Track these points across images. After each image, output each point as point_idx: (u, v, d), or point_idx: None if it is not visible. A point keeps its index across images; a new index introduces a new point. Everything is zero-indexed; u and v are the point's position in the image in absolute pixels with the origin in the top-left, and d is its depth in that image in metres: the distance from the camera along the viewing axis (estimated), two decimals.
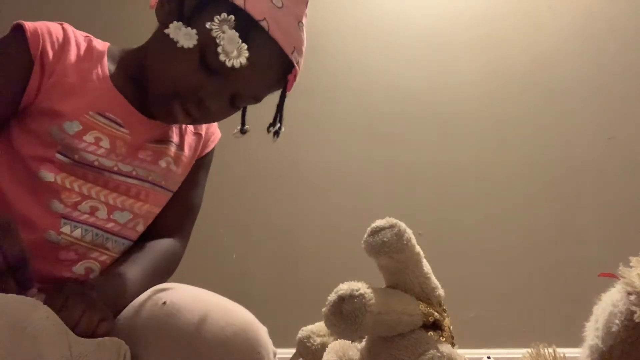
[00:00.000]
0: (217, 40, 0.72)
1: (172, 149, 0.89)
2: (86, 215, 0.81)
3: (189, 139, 0.93)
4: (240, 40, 0.72)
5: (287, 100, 0.86)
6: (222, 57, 0.72)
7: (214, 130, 0.99)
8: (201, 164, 0.97)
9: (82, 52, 0.82)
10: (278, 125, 0.87)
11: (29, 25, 0.77)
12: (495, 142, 1.78)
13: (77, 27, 0.85)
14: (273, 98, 0.87)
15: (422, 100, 1.79)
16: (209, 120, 0.86)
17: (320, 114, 1.77)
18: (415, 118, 1.78)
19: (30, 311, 0.58)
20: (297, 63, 0.82)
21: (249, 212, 1.72)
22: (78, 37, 0.83)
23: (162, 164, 0.88)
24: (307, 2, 0.83)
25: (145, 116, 0.84)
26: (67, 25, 0.83)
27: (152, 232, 0.92)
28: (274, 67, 0.80)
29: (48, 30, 0.79)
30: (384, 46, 1.81)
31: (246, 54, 0.73)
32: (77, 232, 0.80)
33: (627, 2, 1.84)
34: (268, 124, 0.86)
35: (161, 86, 0.79)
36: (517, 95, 1.80)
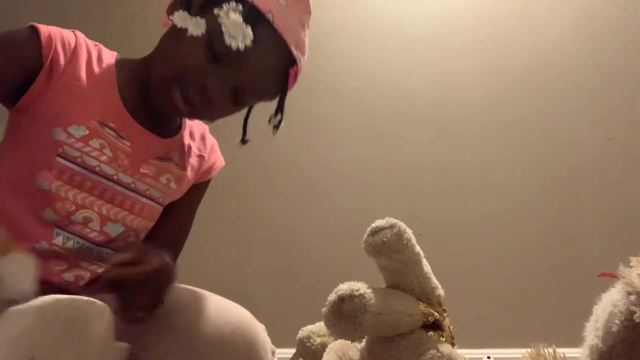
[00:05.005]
0: (222, 27, 0.75)
1: (174, 167, 0.89)
2: (79, 226, 0.80)
3: (193, 160, 0.93)
4: (244, 24, 0.75)
5: (287, 99, 0.86)
6: (227, 41, 0.74)
7: (216, 158, 0.98)
8: (200, 189, 0.97)
9: (93, 59, 0.82)
10: (279, 117, 0.87)
11: (43, 28, 0.77)
12: (495, 142, 1.78)
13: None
14: (275, 103, 0.87)
15: (422, 101, 1.79)
16: (209, 112, 0.84)
17: (320, 114, 1.77)
18: (415, 118, 1.78)
19: (88, 312, 0.61)
20: (299, 61, 0.83)
21: (249, 212, 1.72)
22: (89, 45, 0.83)
23: (163, 180, 0.87)
24: (310, 13, 0.84)
25: (147, 130, 0.84)
26: (78, 33, 0.83)
27: None
28: (277, 60, 0.81)
29: (61, 35, 0.79)
30: (383, 46, 1.81)
31: (251, 36, 0.75)
32: (69, 244, 0.80)
33: (627, 2, 1.84)
34: (268, 121, 0.87)
35: (164, 71, 0.79)
36: (517, 96, 1.80)
